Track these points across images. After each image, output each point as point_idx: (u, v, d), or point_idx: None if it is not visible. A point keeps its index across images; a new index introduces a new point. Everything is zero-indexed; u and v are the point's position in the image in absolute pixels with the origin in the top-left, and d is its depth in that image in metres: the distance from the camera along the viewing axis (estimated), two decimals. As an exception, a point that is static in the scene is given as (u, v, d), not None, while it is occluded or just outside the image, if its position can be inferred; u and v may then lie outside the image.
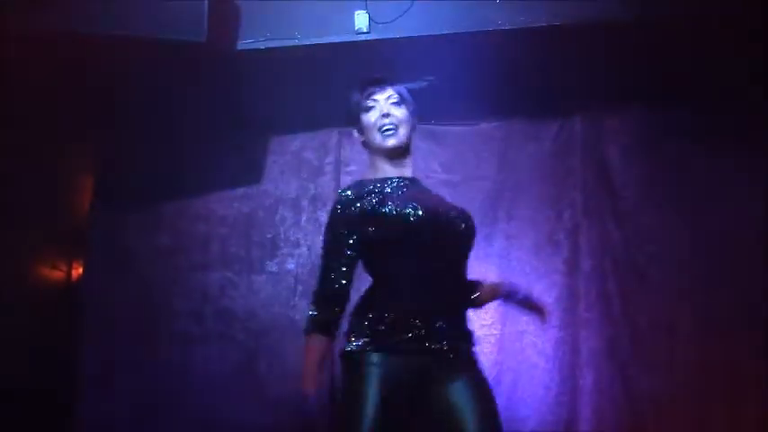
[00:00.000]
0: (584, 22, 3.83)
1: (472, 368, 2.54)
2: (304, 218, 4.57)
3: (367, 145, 2.70)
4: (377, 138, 2.63)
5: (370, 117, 2.64)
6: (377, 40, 4.00)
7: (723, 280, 4.12)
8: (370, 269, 2.61)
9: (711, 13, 3.75)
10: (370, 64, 4.11)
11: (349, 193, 2.61)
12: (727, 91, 4.17)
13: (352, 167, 4.58)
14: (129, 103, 4.56)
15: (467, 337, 2.58)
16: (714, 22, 3.81)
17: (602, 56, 4.12)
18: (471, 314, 2.67)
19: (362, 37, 4.00)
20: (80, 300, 4.64)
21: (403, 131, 2.64)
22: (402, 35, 3.97)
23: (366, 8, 3.98)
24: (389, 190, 2.59)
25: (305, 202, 4.60)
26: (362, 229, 2.53)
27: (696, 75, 4.16)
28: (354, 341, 2.49)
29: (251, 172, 4.66)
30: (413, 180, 2.69)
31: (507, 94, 4.44)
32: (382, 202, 2.53)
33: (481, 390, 2.52)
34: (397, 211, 2.49)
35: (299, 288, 4.51)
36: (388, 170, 2.66)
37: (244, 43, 4.06)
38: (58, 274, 4.81)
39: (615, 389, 4.19)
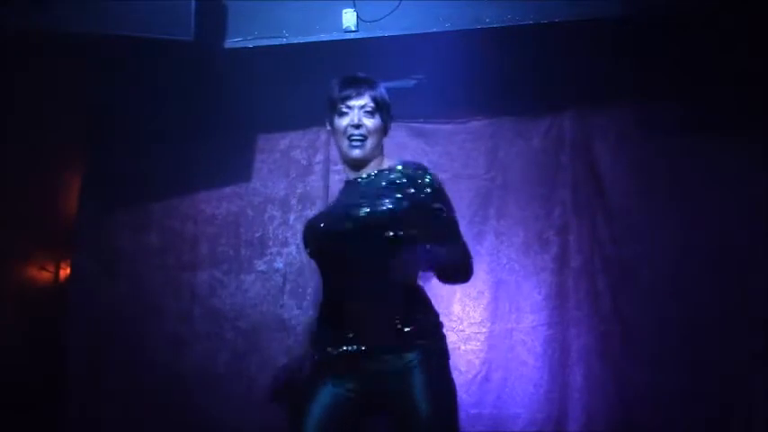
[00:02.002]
0: (572, 20, 3.84)
1: (425, 365, 2.49)
2: (293, 217, 4.55)
3: (336, 145, 2.75)
4: (344, 145, 2.66)
5: (342, 122, 2.65)
6: (365, 38, 4.00)
7: (713, 277, 4.12)
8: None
9: (698, 10, 3.76)
10: (358, 62, 4.11)
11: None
12: (715, 88, 4.18)
13: (341, 166, 4.55)
14: (116, 102, 4.54)
15: (415, 338, 2.50)
16: (701, 19, 3.82)
17: (590, 53, 4.13)
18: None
19: (350, 35, 4.00)
20: (68, 300, 4.61)
21: (370, 143, 2.64)
22: (390, 33, 3.97)
23: (354, 6, 3.98)
24: (332, 203, 2.74)
25: (294, 201, 4.59)
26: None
27: (685, 72, 4.18)
28: (313, 351, 2.63)
29: (239, 171, 4.65)
30: (359, 180, 2.68)
31: (496, 92, 4.45)
32: (314, 216, 2.73)
33: (433, 393, 2.48)
34: (311, 226, 2.64)
35: (288, 287, 4.50)
36: (349, 173, 2.72)
37: (232, 42, 4.06)
38: (45, 275, 4.78)
39: (605, 386, 4.20)
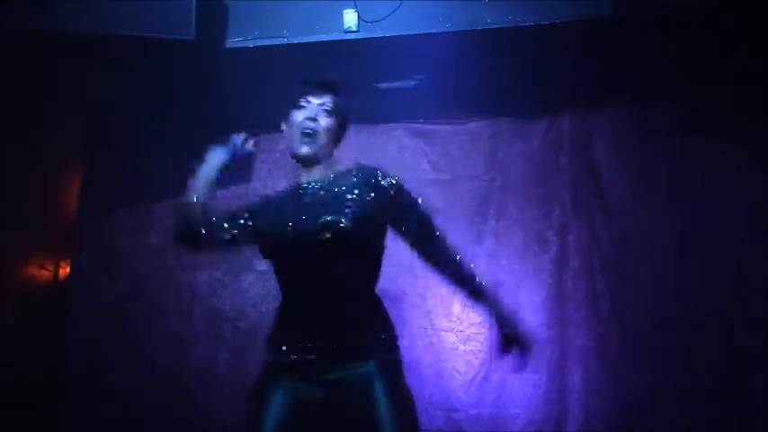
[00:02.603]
0: (572, 21, 3.85)
1: (383, 372, 2.47)
2: (292, 217, 4.55)
3: (288, 143, 2.70)
4: (295, 139, 2.63)
5: (297, 116, 2.64)
6: (366, 38, 4.00)
7: (712, 277, 4.13)
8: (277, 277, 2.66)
9: (696, 10, 3.77)
10: (359, 62, 4.13)
11: (266, 196, 2.78)
12: (713, 88, 4.19)
13: (340, 162, 4.56)
14: (117, 102, 4.55)
15: (371, 347, 2.49)
16: (699, 19, 3.83)
17: (589, 54, 4.13)
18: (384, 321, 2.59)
19: (351, 36, 4.00)
20: (68, 300, 4.61)
21: (322, 141, 2.62)
22: (391, 34, 3.97)
23: (355, 7, 3.98)
24: (284, 202, 2.64)
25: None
26: (248, 219, 2.64)
27: (683, 72, 4.19)
28: (267, 353, 2.60)
29: (239, 171, 4.64)
30: (313, 185, 2.63)
31: (495, 93, 4.45)
32: (267, 212, 2.62)
33: (393, 394, 2.47)
34: (278, 223, 2.55)
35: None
36: (300, 173, 2.68)
37: (232, 41, 4.06)
38: (45, 274, 4.78)
39: (604, 387, 4.20)
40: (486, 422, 4.25)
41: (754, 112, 4.19)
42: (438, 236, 2.62)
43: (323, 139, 2.62)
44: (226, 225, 2.63)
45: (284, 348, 2.51)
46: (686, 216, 4.23)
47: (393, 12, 3.94)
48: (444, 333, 4.36)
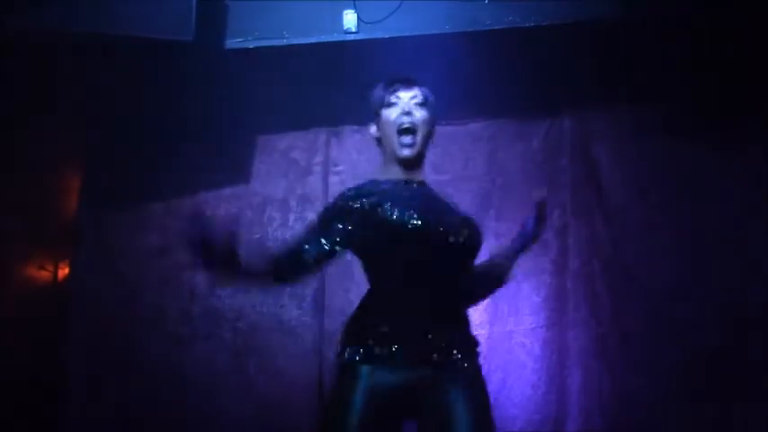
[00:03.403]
0: (572, 22, 3.85)
1: (469, 381, 2.45)
2: (292, 218, 4.54)
3: (381, 142, 2.61)
4: (394, 140, 2.54)
5: (391, 114, 2.55)
6: (365, 39, 4.01)
7: (712, 279, 4.13)
8: (367, 275, 2.55)
9: (698, 12, 3.77)
10: (358, 63, 4.12)
11: (353, 189, 2.53)
12: (714, 89, 4.19)
13: (341, 167, 4.58)
14: (116, 103, 4.55)
15: (464, 349, 2.48)
16: (700, 21, 3.83)
17: (590, 55, 4.14)
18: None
19: (351, 37, 4.00)
20: (67, 300, 4.62)
21: (420, 137, 2.54)
22: (391, 35, 3.98)
23: (355, 8, 3.98)
24: (394, 193, 2.49)
25: (293, 202, 4.58)
26: (354, 228, 2.46)
27: (684, 73, 4.18)
28: (347, 350, 2.44)
29: (238, 172, 4.65)
30: (422, 184, 2.60)
31: (496, 94, 4.45)
32: (381, 204, 2.43)
33: (476, 404, 2.44)
34: (393, 216, 2.41)
35: (288, 288, 4.49)
36: (397, 172, 2.58)
37: (232, 42, 4.06)
38: (45, 275, 4.79)
39: (603, 388, 4.20)
40: (484, 423, 4.25)
41: (754, 112, 4.19)
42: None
43: (421, 135, 2.55)
44: (322, 240, 2.46)
45: (379, 341, 2.41)
46: (686, 217, 4.23)
47: (393, 13, 3.94)
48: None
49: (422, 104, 2.57)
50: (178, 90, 4.36)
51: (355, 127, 4.54)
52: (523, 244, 2.70)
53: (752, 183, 4.18)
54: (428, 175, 4.36)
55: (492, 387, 4.22)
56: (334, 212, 2.49)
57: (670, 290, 4.18)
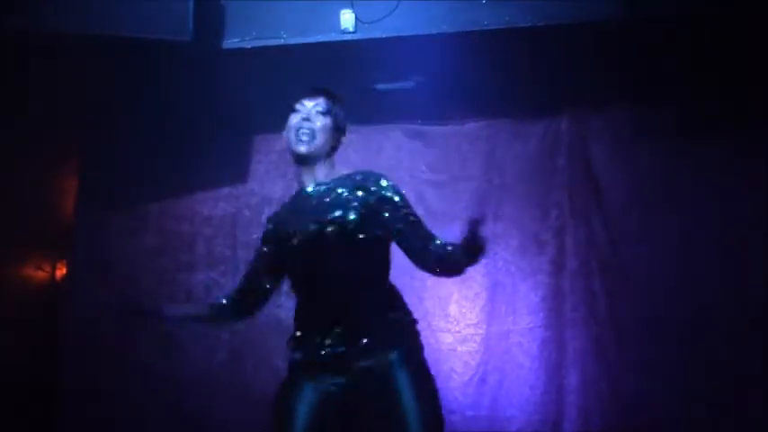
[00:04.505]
0: (570, 23, 3.86)
1: (404, 368, 2.49)
2: (290, 218, 4.54)
3: (288, 149, 2.72)
4: (291, 140, 2.65)
5: (292, 119, 2.66)
6: (363, 39, 4.01)
7: (709, 279, 4.13)
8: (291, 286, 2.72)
9: (696, 12, 3.77)
10: (356, 63, 4.13)
11: (278, 208, 2.80)
12: (712, 89, 4.19)
13: (338, 167, 4.56)
14: (114, 103, 4.55)
15: (385, 338, 2.52)
16: (698, 21, 3.83)
17: (587, 55, 4.14)
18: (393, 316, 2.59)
19: (348, 36, 4.01)
20: (65, 300, 4.61)
21: (318, 140, 2.64)
22: (388, 35, 3.98)
23: (352, 8, 3.98)
24: (291, 206, 2.70)
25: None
26: (264, 245, 2.74)
27: (681, 74, 4.19)
28: (289, 354, 2.63)
29: (236, 172, 4.65)
30: (317, 188, 2.66)
31: (493, 94, 4.45)
32: (278, 222, 2.69)
33: (417, 389, 2.48)
34: (282, 229, 2.64)
35: (285, 287, 4.47)
36: (302, 177, 2.70)
37: (230, 42, 4.06)
38: (42, 275, 4.78)
39: (601, 388, 4.21)
40: (482, 423, 4.25)
41: (752, 112, 4.19)
42: (431, 253, 2.58)
43: (319, 137, 2.64)
44: (266, 276, 2.77)
45: (307, 347, 2.55)
46: (683, 217, 4.23)
47: (390, 13, 3.94)
48: (441, 334, 4.35)
49: (323, 113, 2.67)
50: (176, 90, 4.36)
51: (352, 127, 4.49)
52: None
53: (751, 183, 4.18)
54: (425, 174, 4.51)
55: (489, 387, 4.29)
56: (263, 238, 2.77)
57: (667, 290, 4.18)
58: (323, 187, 2.65)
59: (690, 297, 4.14)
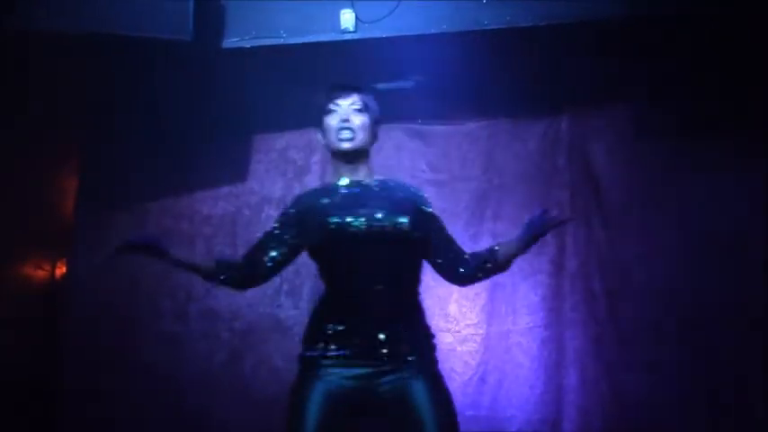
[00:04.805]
0: (570, 22, 3.85)
1: (425, 376, 2.53)
2: (289, 217, 4.53)
3: (327, 148, 2.74)
4: (333, 141, 2.66)
5: (331, 121, 2.67)
6: (363, 39, 4.00)
7: (708, 280, 4.13)
8: (320, 277, 2.70)
9: (696, 12, 3.77)
10: (356, 63, 4.12)
11: (297, 196, 2.82)
12: (711, 89, 4.19)
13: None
14: (113, 102, 4.54)
15: (417, 344, 2.57)
16: (698, 21, 3.83)
17: (587, 55, 4.14)
18: (433, 318, 2.73)
19: (349, 36, 4.00)
20: (64, 299, 4.61)
21: (359, 137, 2.65)
22: (388, 34, 3.97)
23: (352, 7, 3.98)
24: (330, 198, 2.66)
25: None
26: (297, 234, 2.67)
27: (681, 74, 4.19)
28: (306, 348, 2.61)
29: (236, 171, 4.65)
30: (359, 184, 2.68)
31: (493, 94, 4.45)
32: (319, 209, 2.63)
33: (435, 395, 2.52)
34: (329, 219, 2.58)
35: (285, 287, 4.49)
36: (343, 174, 2.70)
37: (229, 42, 4.06)
38: (42, 274, 4.78)
39: (600, 388, 4.21)
40: (482, 423, 4.25)
41: (752, 112, 4.19)
42: (461, 272, 2.70)
43: (360, 135, 2.66)
44: (271, 253, 2.69)
45: (329, 341, 2.55)
46: (683, 217, 4.23)
47: (390, 12, 3.94)
48: (441, 334, 4.29)
49: (360, 110, 2.68)
50: (175, 89, 4.35)
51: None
52: (522, 239, 2.66)
53: (751, 183, 4.18)
54: (425, 174, 4.51)
55: (489, 387, 4.30)
56: (280, 220, 2.72)
57: (667, 290, 4.18)
58: (369, 186, 2.68)
59: (690, 297, 4.14)
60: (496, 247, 2.68)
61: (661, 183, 4.30)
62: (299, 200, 2.77)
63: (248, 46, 4.04)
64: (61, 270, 4.80)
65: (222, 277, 2.66)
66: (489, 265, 2.67)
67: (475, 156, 4.56)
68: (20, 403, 4.38)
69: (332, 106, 2.68)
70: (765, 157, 4.17)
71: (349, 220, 2.57)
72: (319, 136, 2.76)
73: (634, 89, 4.35)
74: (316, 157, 4.60)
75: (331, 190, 2.71)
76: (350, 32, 3.99)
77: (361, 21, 3.98)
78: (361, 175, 2.69)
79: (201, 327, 4.54)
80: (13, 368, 4.40)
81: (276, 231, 2.69)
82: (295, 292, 4.48)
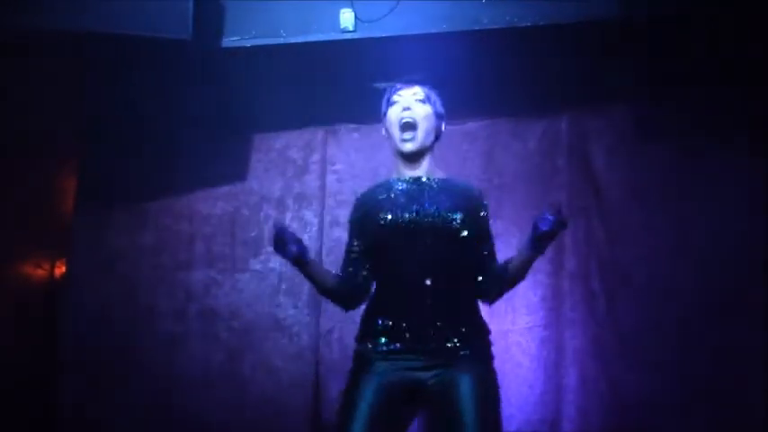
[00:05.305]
0: (570, 22, 3.85)
1: (475, 372, 2.53)
2: (289, 216, 4.52)
3: (390, 142, 2.73)
4: (396, 137, 2.66)
5: (393, 111, 2.67)
6: (363, 38, 4.01)
7: (709, 278, 4.12)
8: (374, 272, 2.70)
9: (696, 12, 3.77)
10: (356, 63, 4.13)
11: (360, 194, 2.80)
12: (711, 90, 4.18)
13: (338, 166, 4.57)
14: (113, 101, 4.54)
15: (469, 339, 2.57)
16: (697, 20, 3.83)
17: (587, 55, 4.14)
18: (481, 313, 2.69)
19: (348, 35, 4.01)
20: (63, 299, 4.61)
21: (422, 132, 2.65)
22: (388, 34, 3.98)
23: (352, 7, 3.98)
24: (387, 194, 2.66)
25: (289, 201, 4.58)
26: (359, 231, 2.70)
27: (681, 74, 4.18)
28: (358, 343, 2.64)
29: (235, 170, 4.64)
30: (417, 181, 2.68)
31: (493, 94, 4.45)
32: (377, 207, 2.63)
33: (481, 395, 2.52)
34: (387, 216, 2.58)
35: (283, 286, 4.48)
36: (401, 170, 2.70)
37: (229, 41, 4.07)
38: (41, 273, 4.78)
39: (600, 388, 4.20)
40: (481, 423, 4.24)
41: (751, 113, 4.18)
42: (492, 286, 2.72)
43: (423, 129, 2.65)
44: (362, 272, 2.72)
45: (383, 337, 2.56)
46: (683, 218, 4.22)
47: (390, 12, 3.94)
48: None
49: (423, 101, 2.68)
50: (175, 88, 4.36)
51: (352, 125, 4.54)
52: (529, 245, 2.69)
53: (751, 183, 4.17)
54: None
55: (488, 386, 4.27)
56: (350, 233, 2.76)
57: (667, 290, 4.17)
58: (431, 181, 2.67)
59: (689, 297, 4.13)
60: (510, 260, 2.71)
61: (661, 183, 4.29)
62: (358, 203, 2.77)
63: (248, 45, 4.05)
64: (61, 270, 4.80)
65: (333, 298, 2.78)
66: (505, 279, 2.71)
67: (474, 156, 4.55)
68: (20, 403, 4.38)
69: (394, 97, 2.69)
70: (765, 157, 4.16)
71: (400, 215, 2.57)
72: (384, 132, 2.75)
73: (634, 89, 4.34)
74: (315, 157, 4.60)
75: (389, 186, 2.70)
76: (349, 32, 4.00)
77: (361, 20, 3.98)
78: (422, 171, 2.69)
79: (201, 326, 4.53)
80: (12, 367, 4.41)
81: (354, 248, 2.71)
82: (294, 291, 4.47)
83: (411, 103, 2.65)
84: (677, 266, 4.18)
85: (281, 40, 4.03)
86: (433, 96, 2.73)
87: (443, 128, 2.78)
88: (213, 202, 4.63)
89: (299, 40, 4.03)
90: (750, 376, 4.04)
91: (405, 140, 2.63)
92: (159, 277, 4.58)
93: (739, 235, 4.14)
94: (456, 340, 2.54)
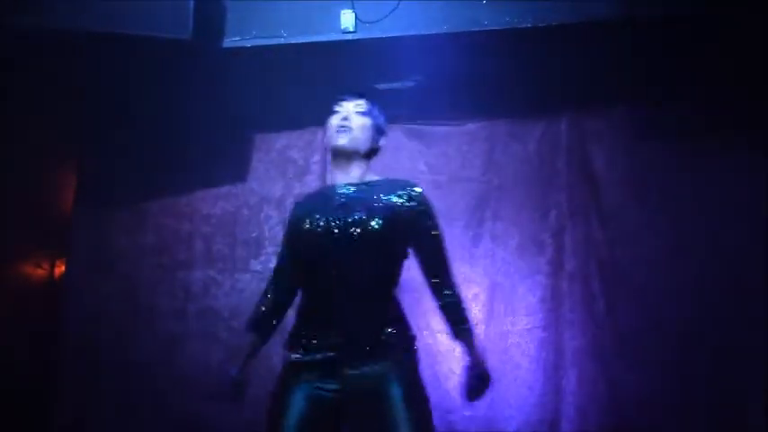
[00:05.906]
0: (569, 23, 3.85)
1: (400, 377, 2.53)
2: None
3: (327, 148, 2.77)
4: (331, 137, 2.69)
5: (332, 120, 2.70)
6: (363, 39, 4.00)
7: (708, 279, 4.13)
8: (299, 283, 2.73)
9: (696, 12, 3.77)
10: (356, 63, 4.13)
11: (295, 203, 2.86)
12: (710, 91, 4.19)
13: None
14: (113, 101, 4.54)
15: (390, 346, 2.57)
16: (698, 22, 3.83)
17: (587, 56, 4.14)
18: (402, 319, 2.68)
19: (349, 36, 4.00)
20: (63, 298, 4.61)
21: (356, 136, 2.67)
22: (388, 35, 3.98)
23: (353, 7, 3.98)
24: (314, 202, 2.69)
25: (290, 201, 4.57)
26: (286, 240, 2.77)
27: (681, 74, 4.19)
28: (285, 355, 2.67)
29: (236, 170, 4.65)
30: (350, 187, 2.68)
31: (493, 95, 4.45)
32: (299, 215, 2.67)
33: (407, 394, 2.52)
34: (305, 226, 2.61)
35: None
36: (335, 175, 2.72)
37: (230, 41, 4.06)
38: (40, 273, 4.78)
39: (599, 389, 4.20)
40: (480, 423, 4.24)
41: (750, 114, 4.19)
42: (443, 281, 2.69)
43: (357, 134, 2.68)
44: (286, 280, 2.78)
45: (305, 347, 2.58)
46: (682, 218, 4.23)
47: (391, 12, 3.94)
48: (440, 334, 4.33)
49: (363, 113, 2.72)
50: (175, 88, 4.35)
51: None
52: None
53: (751, 182, 4.18)
54: (425, 174, 4.51)
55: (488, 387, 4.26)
56: (282, 242, 2.84)
57: (667, 290, 4.18)
58: (353, 188, 2.66)
59: (689, 298, 4.14)
60: (462, 329, 2.70)
61: (660, 184, 4.30)
62: (290, 213, 2.80)
63: (248, 45, 4.04)
64: (61, 270, 4.80)
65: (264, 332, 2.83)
66: (449, 325, 2.70)
67: (474, 157, 4.56)
68: (19, 403, 4.38)
69: (336, 107, 2.73)
70: (766, 157, 4.17)
71: (323, 223, 2.58)
72: (325, 140, 2.77)
73: (634, 90, 4.35)
74: (316, 157, 4.61)
75: (322, 193, 2.75)
76: (350, 32, 3.99)
77: (361, 21, 3.98)
78: (354, 177, 2.70)
79: (200, 326, 4.53)
80: (12, 367, 4.40)
81: (281, 260, 2.80)
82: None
83: (350, 114, 2.69)
84: (677, 266, 4.19)
85: (282, 41, 4.03)
86: (376, 111, 2.76)
87: (382, 143, 2.78)
88: (213, 202, 4.64)
89: (300, 40, 4.03)
90: (750, 376, 4.04)
91: (338, 133, 2.66)
92: (159, 277, 4.59)
93: (739, 234, 4.15)
94: (380, 348, 2.53)
